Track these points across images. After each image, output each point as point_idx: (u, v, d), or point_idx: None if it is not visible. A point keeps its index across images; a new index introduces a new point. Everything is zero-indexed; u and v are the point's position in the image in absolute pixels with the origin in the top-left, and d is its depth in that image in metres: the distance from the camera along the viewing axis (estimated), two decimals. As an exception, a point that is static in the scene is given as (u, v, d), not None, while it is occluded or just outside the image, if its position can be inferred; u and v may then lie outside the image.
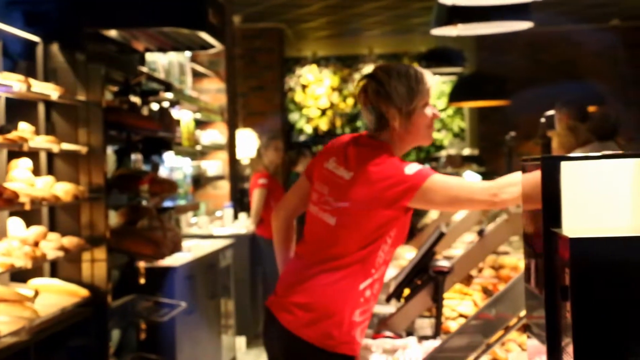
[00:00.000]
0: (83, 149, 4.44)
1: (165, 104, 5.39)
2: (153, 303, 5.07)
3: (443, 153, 11.90)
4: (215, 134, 8.49)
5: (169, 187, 4.96)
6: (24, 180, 4.03)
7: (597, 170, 1.81)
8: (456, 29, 6.06)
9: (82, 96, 4.45)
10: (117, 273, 4.96)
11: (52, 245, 4.10)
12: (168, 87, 5.45)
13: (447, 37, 7.77)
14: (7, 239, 3.90)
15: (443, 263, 3.53)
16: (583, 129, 5.02)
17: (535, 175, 1.88)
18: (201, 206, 7.80)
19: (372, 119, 2.70)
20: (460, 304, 3.87)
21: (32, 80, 3.93)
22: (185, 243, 5.75)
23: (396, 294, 3.70)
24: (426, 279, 3.54)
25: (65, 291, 4.25)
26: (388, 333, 3.43)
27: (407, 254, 5.28)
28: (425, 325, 3.58)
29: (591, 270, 1.66)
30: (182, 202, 6.54)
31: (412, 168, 2.59)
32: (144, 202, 4.96)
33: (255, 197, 7.48)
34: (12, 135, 3.79)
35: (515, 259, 4.85)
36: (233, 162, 8.84)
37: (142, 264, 5.04)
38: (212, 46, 5.29)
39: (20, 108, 4.26)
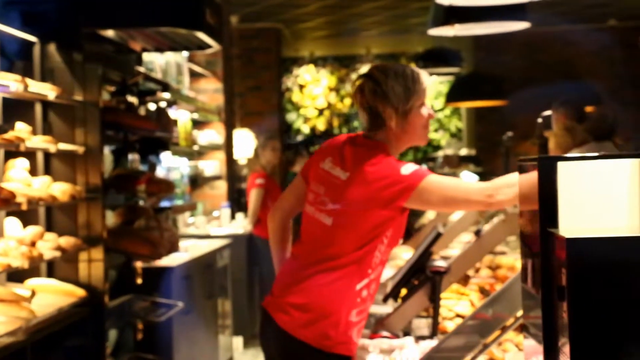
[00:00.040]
0: (80, 149, 4.43)
1: (163, 104, 5.40)
2: (150, 303, 5.07)
3: (440, 153, 11.92)
4: (213, 134, 8.48)
5: (166, 187, 4.96)
6: (21, 180, 4.03)
7: (594, 170, 1.82)
8: (453, 29, 6.06)
9: (79, 96, 4.45)
10: (114, 273, 4.95)
11: (49, 245, 4.09)
12: (165, 87, 5.45)
13: (445, 37, 7.79)
14: (4, 239, 3.89)
15: (440, 263, 3.53)
16: (580, 129, 5.02)
17: (532, 176, 1.88)
18: (198, 206, 7.80)
19: (369, 118, 2.70)
20: (457, 304, 3.87)
21: (29, 80, 3.93)
22: (183, 243, 5.75)
23: (393, 294, 3.70)
24: (423, 279, 3.54)
25: (62, 291, 4.24)
26: (385, 333, 3.43)
27: (404, 254, 5.28)
28: (422, 325, 3.59)
29: (588, 271, 1.67)
30: (179, 202, 6.53)
31: (408, 168, 2.59)
32: (141, 202, 4.96)
33: (253, 197, 7.48)
34: (9, 135, 3.79)
35: (512, 259, 4.86)
36: (230, 162, 8.83)
37: (139, 264, 5.04)
38: (209, 46, 5.29)
39: (17, 108, 4.25)
